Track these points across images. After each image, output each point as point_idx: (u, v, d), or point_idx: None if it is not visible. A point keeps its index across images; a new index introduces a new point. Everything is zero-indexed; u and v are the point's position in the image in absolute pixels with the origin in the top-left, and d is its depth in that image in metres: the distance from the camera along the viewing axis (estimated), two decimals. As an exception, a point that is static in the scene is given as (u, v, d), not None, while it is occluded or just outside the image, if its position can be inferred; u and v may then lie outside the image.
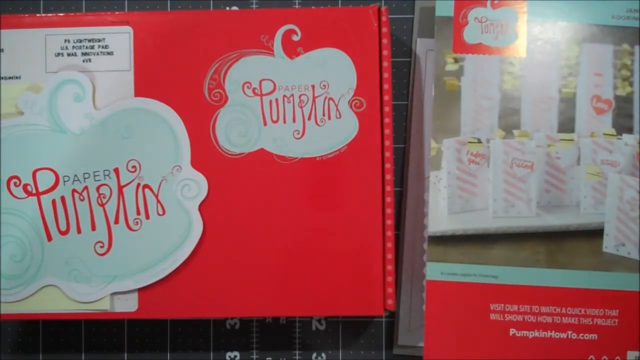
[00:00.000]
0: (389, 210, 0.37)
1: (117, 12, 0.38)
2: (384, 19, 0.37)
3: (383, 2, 0.43)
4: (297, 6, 0.44)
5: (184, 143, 0.37)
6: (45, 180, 0.37)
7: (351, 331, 0.43)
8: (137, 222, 0.37)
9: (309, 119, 0.37)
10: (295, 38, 0.37)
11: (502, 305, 0.39)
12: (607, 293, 0.39)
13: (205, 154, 0.37)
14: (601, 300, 0.39)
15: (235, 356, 0.43)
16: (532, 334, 0.39)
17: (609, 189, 0.40)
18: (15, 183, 0.37)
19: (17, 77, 0.38)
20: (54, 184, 0.37)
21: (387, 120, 0.37)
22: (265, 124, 0.37)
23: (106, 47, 0.38)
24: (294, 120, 0.37)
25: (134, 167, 0.37)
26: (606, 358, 0.39)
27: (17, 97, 0.37)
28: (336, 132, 0.37)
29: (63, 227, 0.37)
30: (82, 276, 0.37)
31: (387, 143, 0.37)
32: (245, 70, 0.37)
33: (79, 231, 0.37)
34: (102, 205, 0.37)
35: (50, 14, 0.38)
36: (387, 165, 0.37)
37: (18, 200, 0.37)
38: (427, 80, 0.43)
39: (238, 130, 0.37)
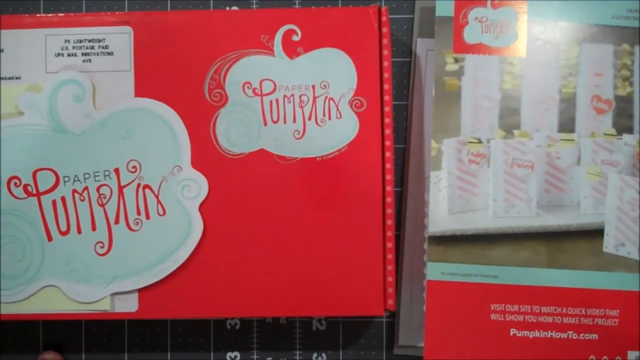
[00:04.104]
0: (389, 210, 0.37)
1: (117, 12, 0.38)
2: (384, 19, 0.37)
3: (383, 2, 0.43)
4: (297, 6, 0.44)
5: (184, 143, 0.37)
6: (45, 181, 0.37)
7: (351, 331, 0.43)
8: (137, 222, 0.37)
9: (309, 119, 0.37)
10: (296, 38, 0.37)
11: (503, 305, 0.39)
12: (608, 293, 0.39)
13: (206, 154, 0.37)
14: (601, 300, 0.39)
15: (236, 356, 0.43)
16: (532, 334, 0.39)
17: (609, 189, 0.40)
18: (15, 183, 0.37)
19: (17, 77, 0.38)
20: (54, 184, 0.37)
21: (387, 120, 0.37)
22: (265, 124, 0.37)
23: (106, 47, 0.38)
24: (294, 121, 0.37)
25: (134, 167, 0.37)
26: (607, 358, 0.39)
27: (17, 97, 0.37)
28: (336, 132, 0.37)
29: (63, 228, 0.37)
30: (83, 276, 0.37)
31: (387, 143, 0.37)
32: (245, 70, 0.37)
33: (79, 231, 0.37)
34: (103, 205, 0.37)
35: (50, 14, 0.38)
36: (388, 165, 0.37)
37: (18, 200, 0.37)
38: (427, 80, 0.43)
39: (238, 130, 0.37)
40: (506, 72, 0.40)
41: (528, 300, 0.39)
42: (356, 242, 0.37)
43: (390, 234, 0.37)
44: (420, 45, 0.43)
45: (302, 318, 0.43)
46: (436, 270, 0.40)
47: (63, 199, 0.37)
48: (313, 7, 0.42)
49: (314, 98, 0.37)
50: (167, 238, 0.37)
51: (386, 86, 0.37)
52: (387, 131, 0.37)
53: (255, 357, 0.43)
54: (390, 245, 0.37)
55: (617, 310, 0.39)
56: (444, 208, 0.40)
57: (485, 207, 0.41)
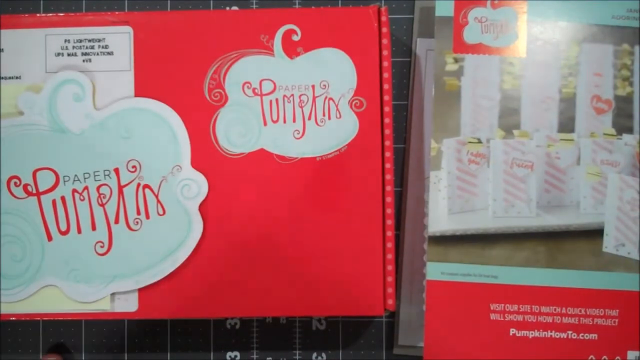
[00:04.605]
0: (389, 210, 0.37)
1: (117, 12, 0.38)
2: (384, 19, 0.37)
3: (383, 2, 0.43)
4: (297, 6, 0.44)
5: (184, 143, 0.37)
6: (45, 180, 0.37)
7: (351, 331, 0.43)
8: (137, 222, 0.37)
9: (309, 119, 0.37)
10: (295, 38, 0.37)
11: (502, 305, 0.39)
12: (607, 293, 0.39)
13: (205, 154, 0.37)
14: (601, 300, 0.39)
15: (236, 356, 0.43)
16: (532, 333, 0.39)
17: (609, 189, 0.40)
18: (15, 183, 0.37)
19: (17, 77, 0.38)
20: (54, 184, 0.37)
21: (387, 120, 0.37)
22: (265, 124, 0.37)
23: (106, 47, 0.38)
24: (294, 120, 0.37)
25: (134, 167, 0.37)
26: (606, 358, 0.39)
27: (17, 97, 0.37)
28: (336, 132, 0.37)
29: (63, 227, 0.37)
30: (82, 276, 0.37)
31: (387, 143, 0.37)
32: (245, 70, 0.37)
33: (79, 231, 0.37)
34: (103, 205, 0.37)
35: (50, 14, 0.38)
36: (387, 165, 0.37)
37: (18, 200, 0.37)
38: (427, 80, 0.43)
39: (238, 130, 0.37)
40: (506, 72, 0.40)
41: (528, 300, 0.39)
42: (356, 242, 0.37)
43: (390, 234, 0.37)
44: (420, 45, 0.43)
45: (302, 318, 0.43)
46: (436, 270, 0.40)
47: (63, 198, 0.37)
48: (313, 7, 0.42)
49: (314, 98, 0.37)
50: (167, 238, 0.37)
51: (386, 86, 0.37)
52: (387, 131, 0.37)
53: (255, 357, 0.43)
54: (390, 245, 0.37)
55: (617, 310, 0.39)
56: (443, 208, 0.40)
57: (485, 207, 0.41)
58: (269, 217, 0.37)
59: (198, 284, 0.37)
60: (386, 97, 0.37)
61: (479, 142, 0.40)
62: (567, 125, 0.40)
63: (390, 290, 0.37)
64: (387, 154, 0.37)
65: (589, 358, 0.39)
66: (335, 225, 0.37)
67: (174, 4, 0.44)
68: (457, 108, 0.41)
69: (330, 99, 0.37)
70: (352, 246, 0.37)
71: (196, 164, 0.37)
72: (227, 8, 0.44)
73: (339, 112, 0.37)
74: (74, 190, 0.37)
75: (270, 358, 0.43)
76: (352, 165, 0.37)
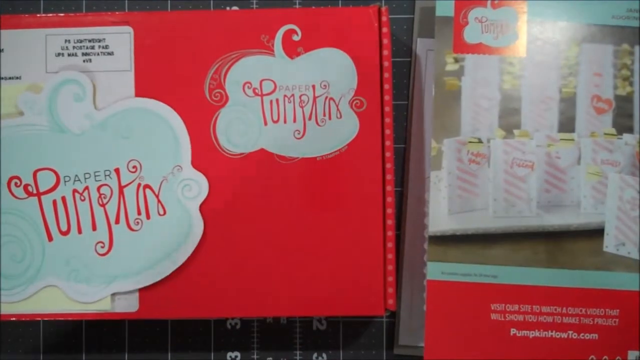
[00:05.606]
0: (389, 210, 0.37)
1: (117, 12, 0.38)
2: (384, 19, 0.37)
3: (383, 2, 0.43)
4: (297, 6, 0.44)
5: (184, 143, 0.37)
6: (45, 181, 0.37)
7: (352, 331, 0.43)
8: (137, 222, 0.37)
9: (310, 119, 0.37)
10: (296, 38, 0.37)
11: (503, 305, 0.39)
12: (608, 293, 0.39)
13: (206, 154, 0.37)
14: (602, 300, 0.39)
15: (236, 356, 0.43)
16: (532, 333, 0.39)
17: (609, 189, 0.40)
18: (15, 183, 0.37)
19: (17, 77, 0.38)
20: (55, 184, 0.37)
21: (387, 120, 0.37)
22: (265, 124, 0.37)
23: (106, 47, 0.38)
24: (294, 120, 0.37)
25: (134, 167, 0.37)
26: (607, 358, 0.39)
27: (17, 97, 0.37)
28: (336, 132, 0.37)
29: (64, 227, 0.37)
30: (83, 276, 0.37)
31: (387, 143, 0.37)
32: (245, 70, 0.37)
33: (79, 231, 0.37)
34: (103, 205, 0.37)
35: (50, 14, 0.38)
36: (388, 165, 0.37)
37: (19, 200, 0.37)
38: (427, 80, 0.43)
39: (238, 130, 0.37)
40: (506, 72, 0.40)
41: (528, 300, 0.39)
42: (356, 242, 0.37)
43: (390, 233, 0.37)
44: (420, 45, 0.43)
45: (303, 318, 0.43)
46: (436, 270, 0.40)
47: (63, 198, 0.37)
48: (313, 7, 0.42)
49: (314, 98, 0.37)
50: (168, 238, 0.37)
51: (386, 86, 0.37)
52: (387, 131, 0.37)
53: (255, 357, 0.43)
54: (390, 245, 0.37)
55: (617, 310, 0.39)
56: (444, 208, 0.40)
57: (485, 207, 0.41)
58: (269, 217, 0.37)
59: (198, 284, 0.37)
60: (386, 97, 0.37)
61: (480, 142, 0.40)
62: (567, 125, 0.41)
63: (390, 290, 0.37)
64: (388, 154, 0.37)
65: (590, 358, 0.39)
66: (335, 225, 0.37)
67: (174, 4, 0.44)
68: (457, 108, 0.41)
69: (331, 99, 0.37)
70: (352, 246, 0.37)
71: (197, 164, 0.37)
72: (227, 8, 0.44)
73: (340, 112, 0.37)
74: (75, 191, 0.37)
75: (271, 358, 0.43)
76: (352, 165, 0.37)
